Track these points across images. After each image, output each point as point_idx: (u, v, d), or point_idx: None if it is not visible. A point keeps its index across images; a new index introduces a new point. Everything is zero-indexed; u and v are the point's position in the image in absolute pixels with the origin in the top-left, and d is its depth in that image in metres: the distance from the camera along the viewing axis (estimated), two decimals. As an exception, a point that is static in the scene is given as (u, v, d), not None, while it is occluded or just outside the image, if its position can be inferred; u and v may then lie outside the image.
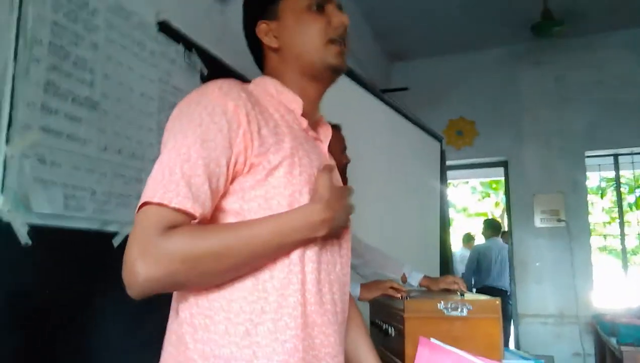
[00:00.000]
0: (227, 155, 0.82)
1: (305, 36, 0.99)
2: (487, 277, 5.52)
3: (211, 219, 0.83)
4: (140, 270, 0.72)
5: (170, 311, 0.89)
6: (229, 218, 0.84)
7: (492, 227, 6.01)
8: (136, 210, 0.78)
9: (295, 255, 0.86)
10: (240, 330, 0.81)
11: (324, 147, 1.04)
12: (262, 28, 1.01)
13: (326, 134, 1.06)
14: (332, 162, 1.12)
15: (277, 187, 0.85)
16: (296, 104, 0.98)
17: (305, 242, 0.87)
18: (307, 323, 0.86)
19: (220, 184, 0.82)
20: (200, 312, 0.83)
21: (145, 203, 0.77)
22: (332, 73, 1.01)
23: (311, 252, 0.89)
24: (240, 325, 0.82)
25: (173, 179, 0.77)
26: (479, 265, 5.70)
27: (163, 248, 0.73)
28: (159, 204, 0.76)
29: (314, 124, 1.03)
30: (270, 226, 0.82)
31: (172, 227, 0.75)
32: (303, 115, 0.98)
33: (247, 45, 1.07)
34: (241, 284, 0.83)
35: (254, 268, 0.84)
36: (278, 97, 0.98)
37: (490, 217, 10.01)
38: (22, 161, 1.18)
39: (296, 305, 0.85)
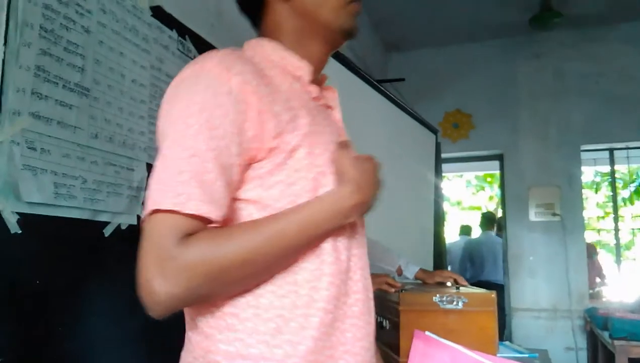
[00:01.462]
0: (237, 142, 0.71)
1: None
2: (481, 271, 5.53)
3: (228, 212, 0.73)
4: (159, 288, 0.64)
5: (185, 315, 0.81)
6: (248, 208, 0.75)
7: (486, 219, 6.01)
8: (142, 218, 0.69)
9: (327, 243, 0.78)
10: (271, 327, 0.73)
11: (336, 114, 0.92)
12: None
13: (334, 99, 0.93)
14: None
15: (299, 170, 0.76)
16: (303, 70, 0.86)
17: (336, 230, 0.79)
18: (337, 316, 0.78)
19: (234, 177, 0.72)
20: (225, 311, 0.74)
21: (154, 211, 0.67)
22: (345, 37, 0.90)
23: (343, 238, 0.81)
24: (270, 321, 0.73)
25: (182, 179, 0.67)
26: (472, 260, 5.71)
27: (182, 261, 0.65)
28: (170, 211, 0.66)
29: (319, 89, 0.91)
30: (297, 219, 0.72)
31: (188, 236, 0.66)
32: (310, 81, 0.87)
33: None
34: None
35: (284, 267, 0.75)
36: (281, 62, 0.85)
37: (485, 210, 10.03)
38: (11, 148, 1.15)
39: (330, 299, 0.77)
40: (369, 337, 0.84)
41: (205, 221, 0.68)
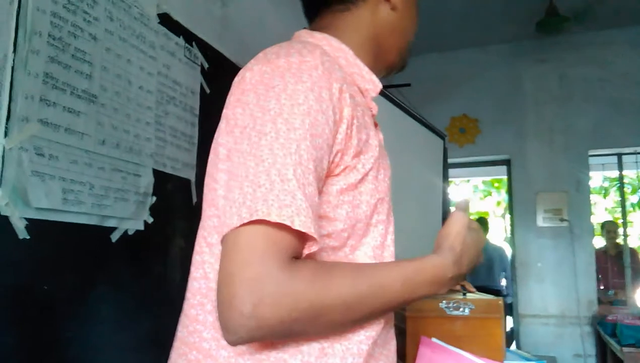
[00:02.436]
0: (329, 155, 0.64)
1: (411, 22, 0.85)
2: (477, 277, 5.53)
3: None
4: (251, 313, 0.54)
5: (195, 325, 0.69)
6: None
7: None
8: (231, 228, 0.57)
9: None
10: (316, 348, 0.65)
11: (380, 132, 0.83)
12: None
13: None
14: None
15: (364, 193, 0.70)
16: (374, 85, 0.79)
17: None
18: (379, 344, 0.72)
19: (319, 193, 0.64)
20: None
21: (256, 221, 0.56)
22: (399, 69, 0.89)
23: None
24: (314, 341, 0.65)
25: (287, 188, 0.57)
26: None
27: (286, 288, 0.55)
28: (277, 225, 0.56)
29: None
30: (400, 275, 0.66)
31: (293, 259, 0.58)
32: None
33: None
34: None
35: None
36: (349, 70, 0.77)
37: (492, 216, 10.01)
38: (20, 154, 1.16)
39: (379, 329, 0.71)
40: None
41: (307, 240, 0.60)
